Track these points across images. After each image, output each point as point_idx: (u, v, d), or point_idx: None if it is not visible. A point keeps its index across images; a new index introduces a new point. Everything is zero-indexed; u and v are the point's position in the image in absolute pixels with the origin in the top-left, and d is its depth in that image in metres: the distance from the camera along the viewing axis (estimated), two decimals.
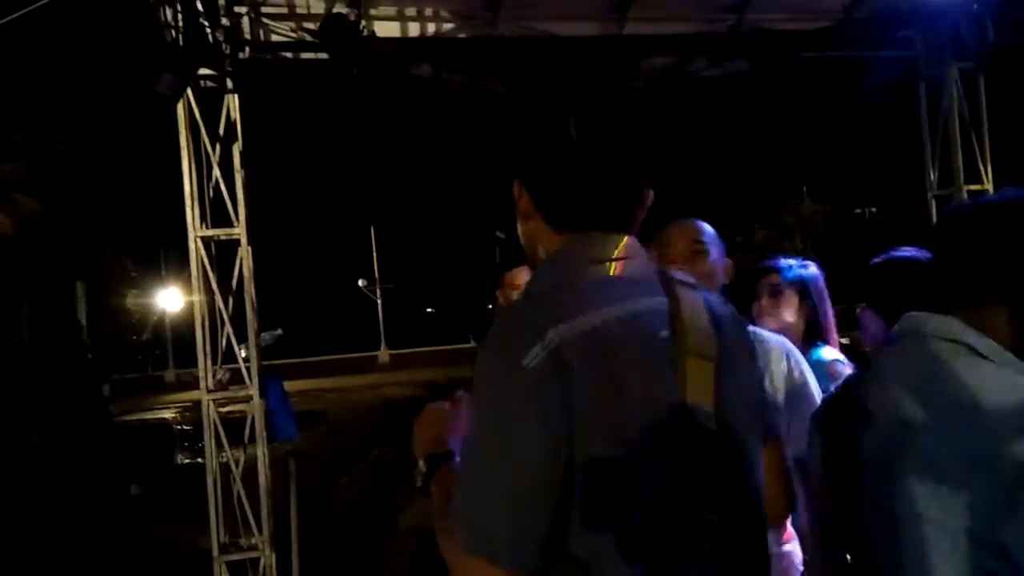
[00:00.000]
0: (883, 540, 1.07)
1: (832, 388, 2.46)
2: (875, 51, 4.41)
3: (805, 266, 2.70)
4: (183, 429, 11.38)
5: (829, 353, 2.58)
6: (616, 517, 0.99)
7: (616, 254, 1.11)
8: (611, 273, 1.10)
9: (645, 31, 3.88)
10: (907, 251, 2.22)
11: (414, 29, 3.82)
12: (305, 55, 3.74)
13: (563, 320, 1.01)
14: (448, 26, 3.83)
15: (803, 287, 2.65)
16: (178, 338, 29.99)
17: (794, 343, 2.62)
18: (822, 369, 2.52)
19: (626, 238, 1.14)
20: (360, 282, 34.69)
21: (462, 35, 3.84)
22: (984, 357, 1.08)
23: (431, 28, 3.85)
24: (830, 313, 2.68)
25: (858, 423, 1.17)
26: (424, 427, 1.27)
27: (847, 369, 2.55)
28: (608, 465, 0.99)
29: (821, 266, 2.86)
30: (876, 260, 2.31)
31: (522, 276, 2.88)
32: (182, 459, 10.77)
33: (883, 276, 2.29)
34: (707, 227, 2.07)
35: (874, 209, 30.90)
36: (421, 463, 1.23)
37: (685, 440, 1.02)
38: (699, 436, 1.03)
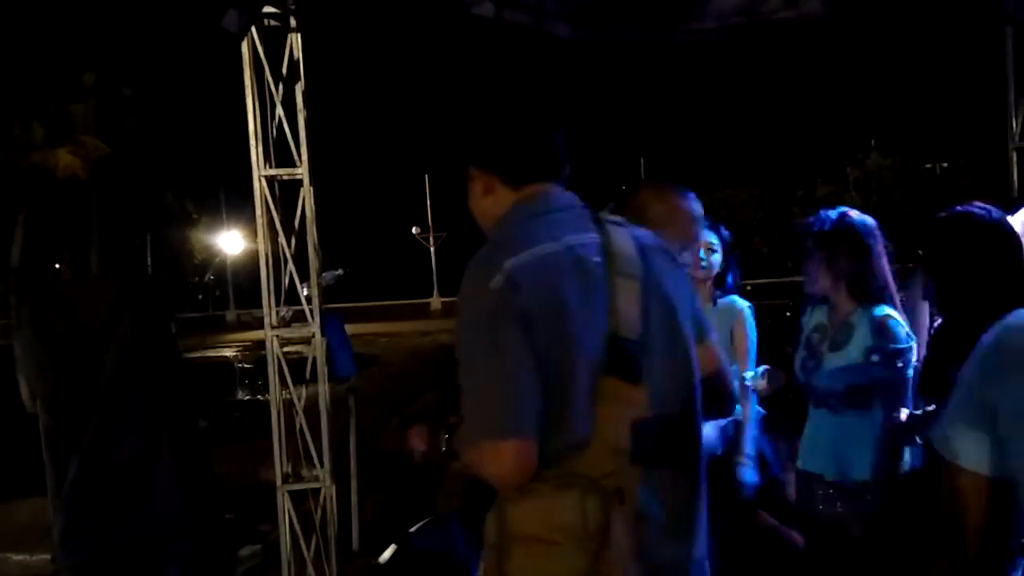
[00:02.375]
0: None
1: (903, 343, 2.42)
2: None
3: (841, 219, 2.53)
4: (243, 367, 11.73)
5: (884, 310, 2.47)
6: (561, 395, 1.33)
7: (552, 203, 1.49)
8: (550, 217, 1.46)
9: None
10: (969, 207, 2.13)
11: None
12: None
13: (514, 255, 1.38)
14: None
15: (833, 244, 2.50)
16: (238, 279, 30.79)
17: (845, 303, 2.52)
18: (873, 324, 2.45)
19: (558, 190, 1.52)
20: (414, 229, 34.92)
21: None
22: None
23: None
24: (877, 266, 2.51)
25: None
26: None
27: (901, 330, 2.45)
28: (556, 356, 1.33)
29: (884, 224, 2.68)
30: (939, 215, 2.20)
31: None
32: (242, 395, 11.12)
33: (929, 234, 2.17)
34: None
35: (946, 164, 29.66)
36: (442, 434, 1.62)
37: (612, 341, 1.35)
38: (624, 343, 1.36)
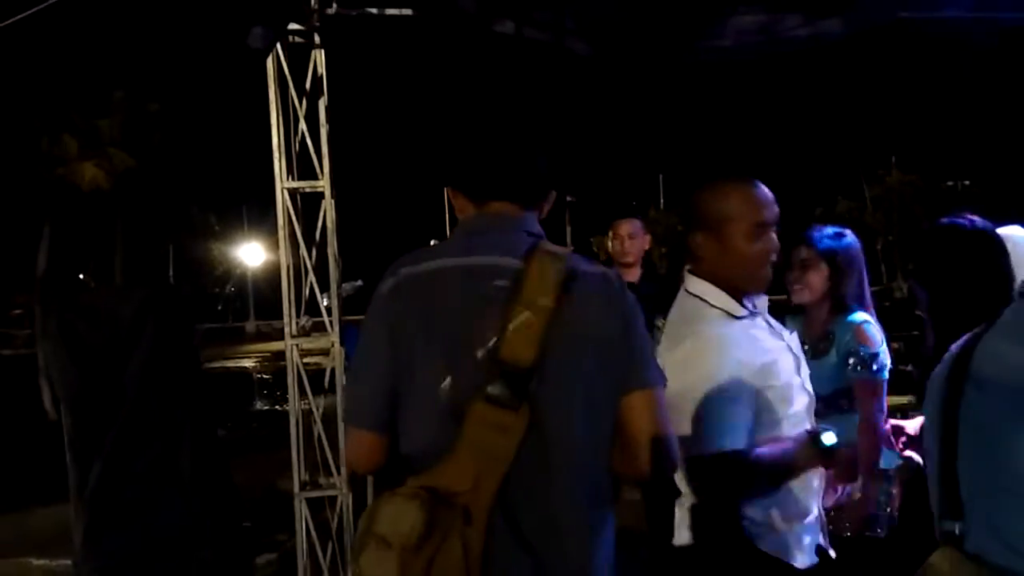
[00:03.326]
0: (1006, 501, 1.03)
1: (870, 351, 2.51)
2: (978, 11, 4.18)
3: (840, 236, 2.70)
4: (262, 377, 11.83)
5: (861, 316, 2.61)
6: (422, 404, 1.38)
7: (493, 224, 1.50)
8: (482, 236, 1.48)
9: None
10: (955, 218, 2.19)
11: None
12: (390, 11, 3.78)
13: (413, 263, 1.45)
14: None
15: (833, 259, 2.65)
16: (258, 291, 31.04)
17: (824, 313, 2.65)
18: (851, 329, 2.59)
19: (515, 212, 1.51)
20: (432, 243, 35.02)
21: None
22: None
23: None
24: (864, 283, 2.69)
25: (970, 384, 1.12)
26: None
27: (877, 335, 2.59)
28: (421, 366, 1.38)
29: (904, 240, 2.81)
30: (928, 227, 2.28)
31: (625, 227, 3.72)
32: (261, 406, 11.22)
33: (921, 245, 2.24)
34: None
35: (967, 182, 29.39)
36: None
37: (493, 365, 1.34)
38: (507, 368, 1.34)
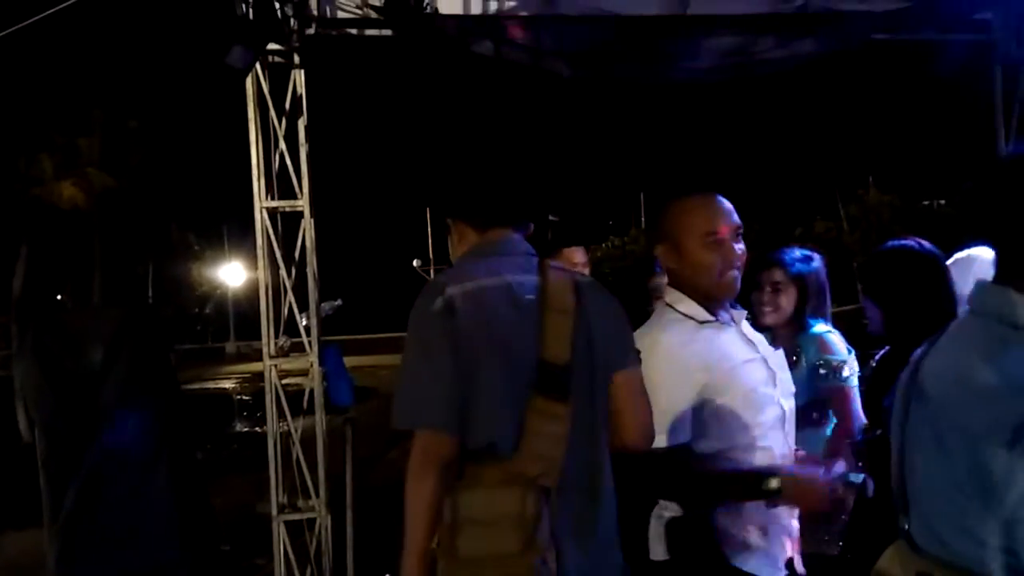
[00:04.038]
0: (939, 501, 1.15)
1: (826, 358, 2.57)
2: (949, 34, 4.27)
3: (809, 260, 2.78)
4: (242, 399, 11.72)
5: (822, 328, 2.70)
6: (489, 404, 1.61)
7: (500, 248, 1.76)
8: (498, 258, 1.74)
9: (710, 11, 3.82)
10: (903, 240, 2.36)
11: (476, 6, 3.84)
12: (370, 31, 3.80)
13: (456, 284, 1.67)
14: (511, 4, 3.84)
15: (803, 283, 2.73)
16: (239, 311, 30.80)
17: (789, 332, 2.72)
18: (815, 341, 2.67)
19: (513, 235, 1.78)
20: (415, 262, 34.99)
21: (523, 13, 3.85)
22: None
23: (493, 6, 3.86)
24: (826, 306, 2.79)
25: (916, 397, 1.23)
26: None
27: (839, 343, 2.68)
28: (486, 372, 1.61)
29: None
30: (879, 249, 2.38)
31: (577, 255, 3.46)
32: (241, 427, 11.10)
33: (875, 266, 2.34)
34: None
35: (943, 201, 29.83)
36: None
37: (541, 365, 1.62)
38: (551, 367, 1.63)
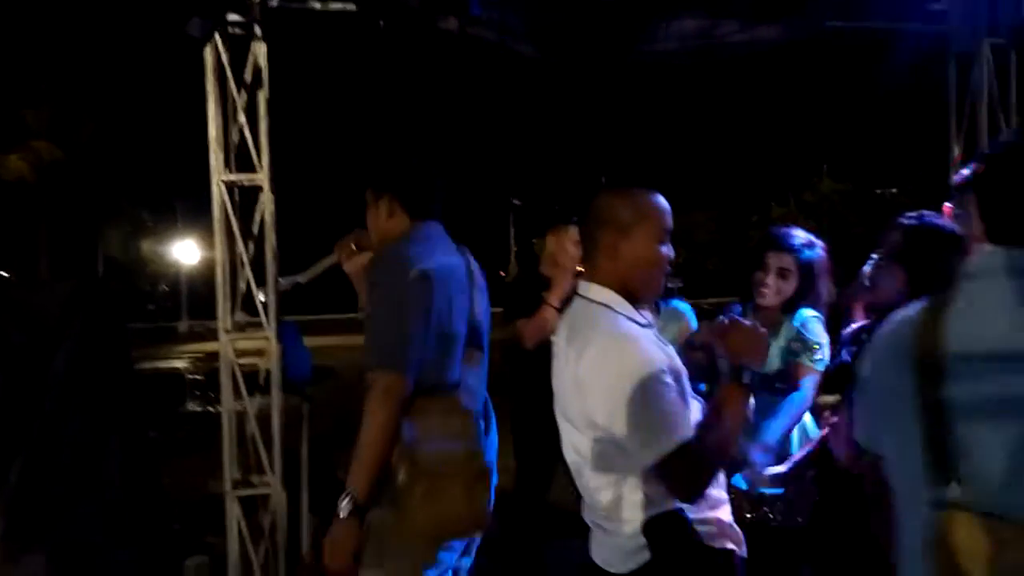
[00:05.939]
0: None
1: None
2: (904, 23, 4.35)
3: (812, 245, 2.84)
4: (195, 379, 11.49)
5: (810, 312, 2.80)
6: (448, 352, 2.22)
7: (439, 235, 2.31)
8: (437, 242, 2.28)
9: None
10: (937, 218, 2.39)
11: None
12: (333, 5, 3.74)
13: (424, 259, 2.16)
14: None
15: (809, 271, 2.79)
16: (192, 290, 30.20)
17: (775, 311, 2.79)
18: (797, 322, 2.78)
19: (436, 225, 2.32)
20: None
21: None
22: None
23: None
24: (824, 292, 2.86)
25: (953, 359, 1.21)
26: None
27: (819, 331, 2.76)
28: (446, 327, 2.19)
29: (837, 246, 3.03)
30: (908, 221, 2.38)
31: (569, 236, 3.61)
32: (194, 407, 10.89)
33: (918, 237, 2.34)
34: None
35: (895, 190, 30.50)
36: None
37: (471, 324, 2.29)
38: (477, 325, 2.32)
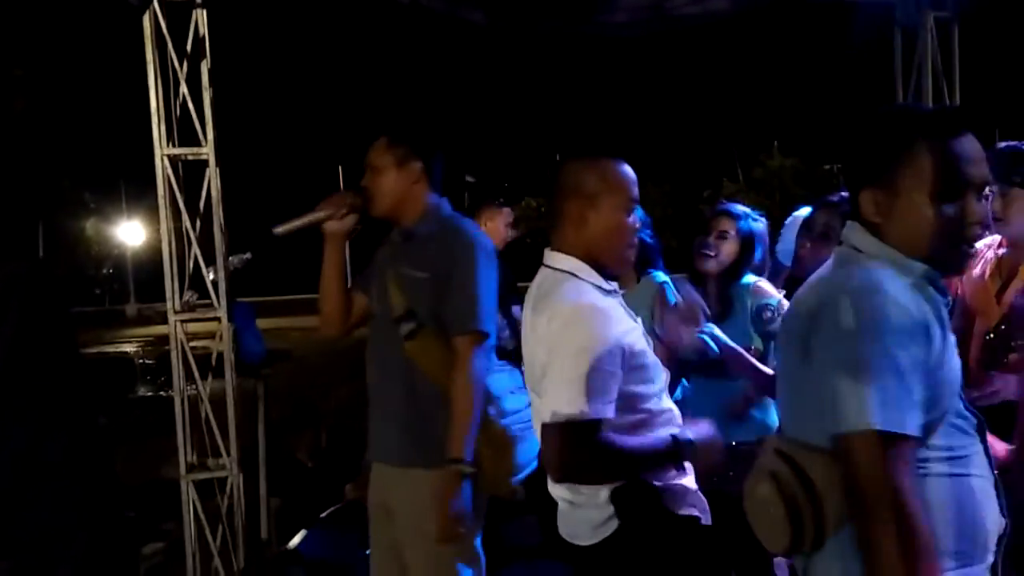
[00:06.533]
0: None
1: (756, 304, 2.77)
2: None
3: (754, 219, 2.94)
4: (145, 363, 11.24)
5: (752, 278, 2.88)
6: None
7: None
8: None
9: None
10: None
11: None
12: None
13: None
14: None
15: (750, 239, 2.87)
16: (139, 272, 29.48)
17: (716, 278, 2.87)
18: (747, 289, 2.85)
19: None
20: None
21: None
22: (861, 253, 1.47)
23: None
24: (762, 263, 2.97)
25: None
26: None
27: (770, 289, 2.86)
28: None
29: (784, 218, 3.18)
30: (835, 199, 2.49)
31: (499, 217, 3.98)
32: (144, 392, 10.66)
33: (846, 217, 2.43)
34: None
35: (840, 165, 31.16)
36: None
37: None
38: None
